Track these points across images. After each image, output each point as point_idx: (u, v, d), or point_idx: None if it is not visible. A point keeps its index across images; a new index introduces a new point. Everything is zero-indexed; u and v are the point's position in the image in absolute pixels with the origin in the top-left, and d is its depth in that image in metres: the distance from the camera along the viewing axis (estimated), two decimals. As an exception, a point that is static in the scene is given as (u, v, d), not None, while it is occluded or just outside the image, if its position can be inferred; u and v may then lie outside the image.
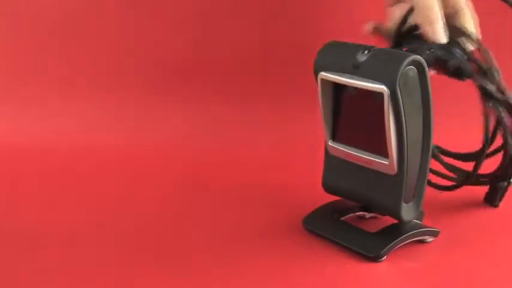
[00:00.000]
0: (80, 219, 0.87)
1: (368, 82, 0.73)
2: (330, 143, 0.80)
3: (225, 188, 0.96)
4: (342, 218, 0.82)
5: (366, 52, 0.74)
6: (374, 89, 0.72)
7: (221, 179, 0.99)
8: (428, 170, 0.75)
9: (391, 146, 0.73)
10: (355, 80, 0.74)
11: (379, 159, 0.75)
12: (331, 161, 0.81)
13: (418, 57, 0.72)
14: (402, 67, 0.71)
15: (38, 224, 0.86)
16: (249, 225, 0.84)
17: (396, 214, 0.75)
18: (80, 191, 0.96)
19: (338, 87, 0.77)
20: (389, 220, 0.79)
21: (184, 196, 0.94)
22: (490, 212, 0.87)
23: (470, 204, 0.88)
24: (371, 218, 0.84)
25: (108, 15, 1.14)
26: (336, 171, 0.81)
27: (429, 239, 0.79)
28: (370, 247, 0.76)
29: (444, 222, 0.82)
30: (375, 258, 0.75)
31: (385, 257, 0.75)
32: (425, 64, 0.72)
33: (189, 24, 1.13)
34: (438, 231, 0.79)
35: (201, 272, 0.75)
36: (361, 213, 0.83)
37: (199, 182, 0.98)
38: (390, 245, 0.75)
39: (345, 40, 0.79)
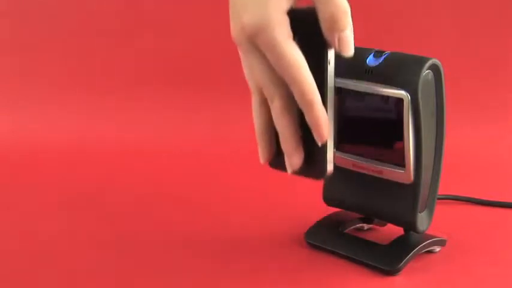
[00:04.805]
0: (80, 220, 0.85)
1: (385, 88, 0.70)
2: (333, 153, 0.76)
3: (226, 195, 0.93)
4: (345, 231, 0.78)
5: (378, 56, 0.71)
6: (393, 95, 0.69)
7: (223, 185, 0.97)
8: (439, 178, 0.73)
9: (409, 154, 0.70)
10: (369, 85, 0.71)
11: (393, 168, 0.71)
12: (333, 172, 0.77)
13: (436, 60, 0.69)
14: (423, 71, 0.68)
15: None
16: (253, 237, 0.80)
17: (412, 224, 0.72)
18: (81, 192, 0.95)
19: (342, 94, 0.74)
20: (388, 231, 0.77)
21: (182, 206, 0.90)
22: (486, 217, 0.86)
23: (466, 211, 0.87)
24: (369, 229, 0.81)
25: (108, 13, 1.14)
26: (337, 183, 0.77)
27: (437, 248, 0.76)
28: (386, 260, 0.72)
29: (444, 230, 0.80)
30: (393, 272, 0.72)
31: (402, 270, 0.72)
32: (442, 68, 0.70)
33: (192, 23, 1.12)
34: (446, 240, 0.77)
35: (199, 284, 0.71)
36: (359, 225, 0.80)
37: (199, 188, 0.96)
38: (408, 257, 0.72)
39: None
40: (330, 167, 0.64)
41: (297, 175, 0.65)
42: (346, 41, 0.61)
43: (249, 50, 0.62)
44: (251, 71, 0.64)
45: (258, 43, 0.61)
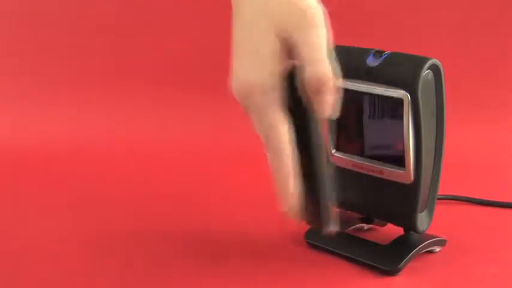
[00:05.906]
0: (80, 220, 0.85)
1: (385, 88, 0.70)
2: (333, 153, 0.76)
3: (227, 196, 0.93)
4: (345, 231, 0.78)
5: (378, 56, 0.71)
6: (393, 95, 0.69)
7: (223, 185, 0.97)
8: (439, 178, 0.73)
9: (409, 154, 0.70)
10: (369, 85, 0.71)
11: (393, 168, 0.71)
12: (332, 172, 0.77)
13: (436, 60, 0.69)
14: (423, 71, 0.68)
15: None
16: (253, 237, 0.80)
17: (412, 224, 0.72)
18: (81, 191, 0.95)
19: (343, 94, 0.73)
20: (388, 231, 0.77)
21: (182, 206, 0.90)
22: (486, 217, 0.86)
23: (466, 211, 0.87)
24: (369, 229, 0.81)
25: (108, 13, 1.14)
26: (337, 183, 0.77)
27: (437, 248, 0.76)
28: (386, 260, 0.72)
29: (444, 230, 0.80)
30: (393, 272, 0.72)
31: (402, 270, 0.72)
32: (442, 68, 0.70)
33: (192, 23, 1.12)
34: (446, 240, 0.77)
35: (199, 284, 0.71)
36: (359, 225, 0.80)
37: (199, 188, 0.96)
38: (408, 257, 0.72)
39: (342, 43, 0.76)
40: (333, 227, 0.63)
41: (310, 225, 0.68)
42: (328, 104, 0.60)
43: (244, 104, 0.62)
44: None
45: (247, 103, 0.61)
